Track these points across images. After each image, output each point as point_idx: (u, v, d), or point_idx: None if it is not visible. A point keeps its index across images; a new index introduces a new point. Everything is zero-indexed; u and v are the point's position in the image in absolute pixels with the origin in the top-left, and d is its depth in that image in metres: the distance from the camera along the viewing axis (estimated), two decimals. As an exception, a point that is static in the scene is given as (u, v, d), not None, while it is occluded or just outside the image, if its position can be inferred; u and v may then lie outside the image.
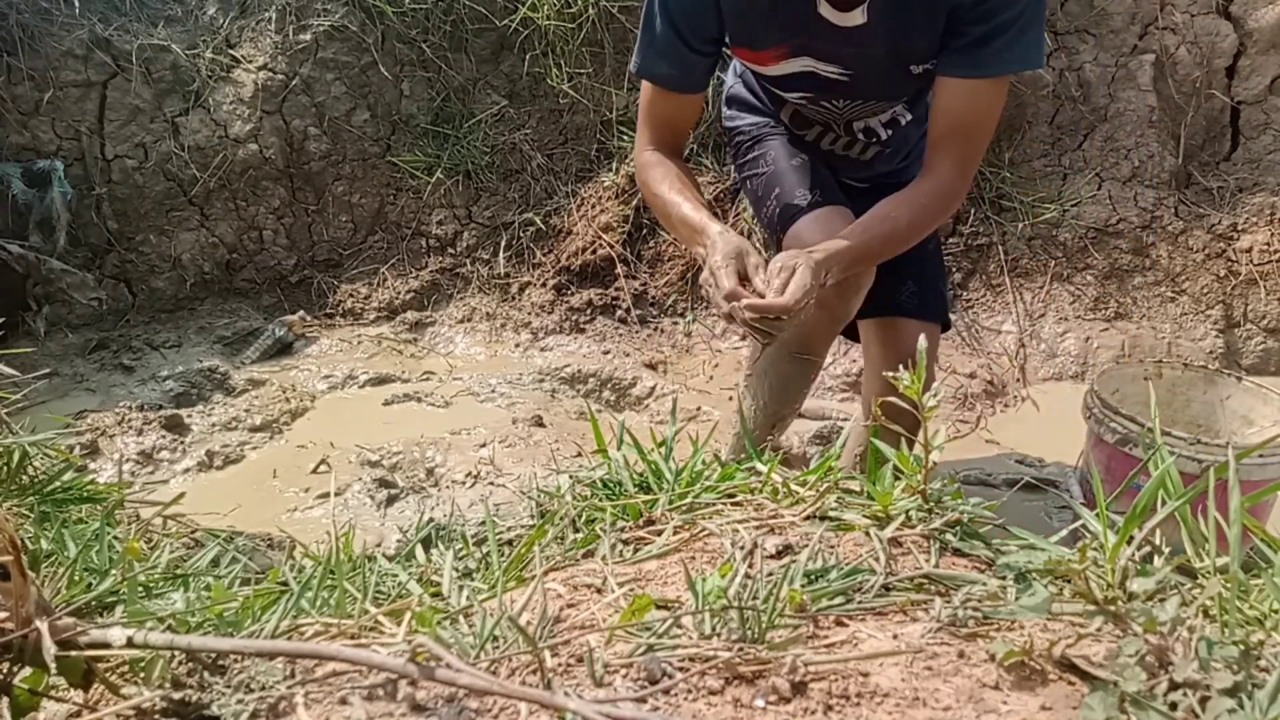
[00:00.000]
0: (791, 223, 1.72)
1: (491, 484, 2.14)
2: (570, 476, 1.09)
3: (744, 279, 1.41)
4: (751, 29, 1.55)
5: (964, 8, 1.42)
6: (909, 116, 1.70)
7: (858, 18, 1.47)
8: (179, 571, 0.92)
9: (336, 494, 2.04)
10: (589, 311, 3.16)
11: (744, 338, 1.78)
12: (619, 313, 3.19)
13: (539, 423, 2.41)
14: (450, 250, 3.44)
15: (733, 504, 0.94)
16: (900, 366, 1.80)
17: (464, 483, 2.14)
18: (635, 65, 1.65)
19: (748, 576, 0.72)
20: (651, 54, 1.60)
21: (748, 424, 1.83)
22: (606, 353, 3.02)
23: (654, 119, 1.68)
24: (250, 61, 3.36)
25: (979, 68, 1.44)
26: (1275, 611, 0.64)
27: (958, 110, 1.48)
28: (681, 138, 1.74)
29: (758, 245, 1.68)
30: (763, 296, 1.36)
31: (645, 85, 1.66)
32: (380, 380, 2.87)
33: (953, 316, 3.20)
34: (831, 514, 0.87)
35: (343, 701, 0.57)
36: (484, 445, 2.30)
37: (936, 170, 1.52)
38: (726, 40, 1.59)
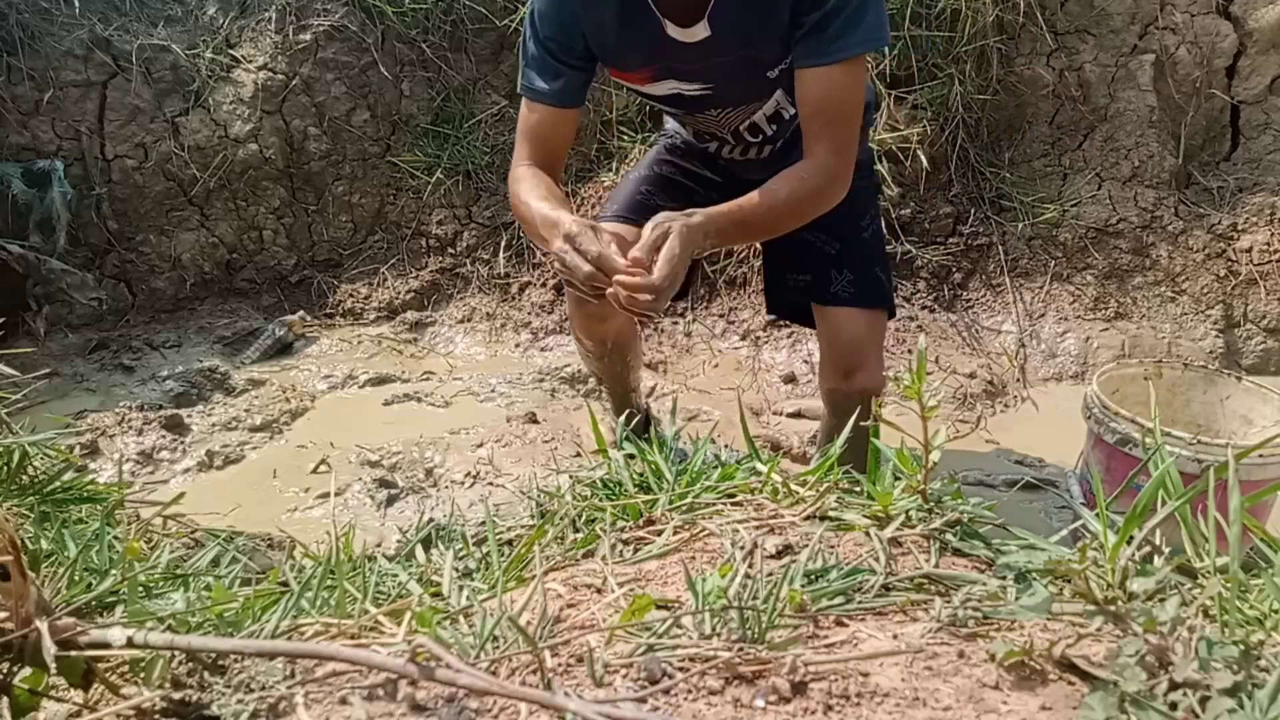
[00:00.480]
0: None
1: (491, 484, 2.14)
2: (570, 476, 1.09)
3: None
4: (611, 51, 1.61)
5: (799, 2, 1.45)
6: (792, 110, 1.72)
7: (701, 32, 1.52)
8: (179, 571, 0.92)
9: (336, 494, 2.04)
10: (589, 311, 3.16)
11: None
12: (619, 313, 3.19)
13: (533, 419, 2.41)
14: (450, 250, 3.44)
15: (733, 504, 0.94)
16: (839, 355, 1.84)
17: (464, 483, 2.14)
18: (519, 83, 1.69)
19: (748, 576, 0.72)
20: (528, 71, 1.65)
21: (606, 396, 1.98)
22: (606, 353, 3.02)
23: (530, 135, 1.71)
24: (250, 61, 3.36)
25: (825, 55, 1.47)
26: (1275, 611, 0.64)
27: (817, 97, 1.51)
28: (557, 155, 1.76)
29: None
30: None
31: (524, 102, 1.70)
32: (380, 380, 2.87)
33: (952, 315, 3.20)
34: (831, 514, 0.87)
35: (343, 701, 0.57)
36: (481, 445, 2.30)
37: (812, 154, 1.55)
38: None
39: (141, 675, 0.61)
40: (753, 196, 1.53)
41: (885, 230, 1.95)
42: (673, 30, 1.54)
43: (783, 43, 1.54)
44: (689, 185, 1.93)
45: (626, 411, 2.05)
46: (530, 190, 1.63)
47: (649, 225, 1.44)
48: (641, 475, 1.03)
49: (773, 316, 2.55)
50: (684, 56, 1.58)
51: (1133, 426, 1.57)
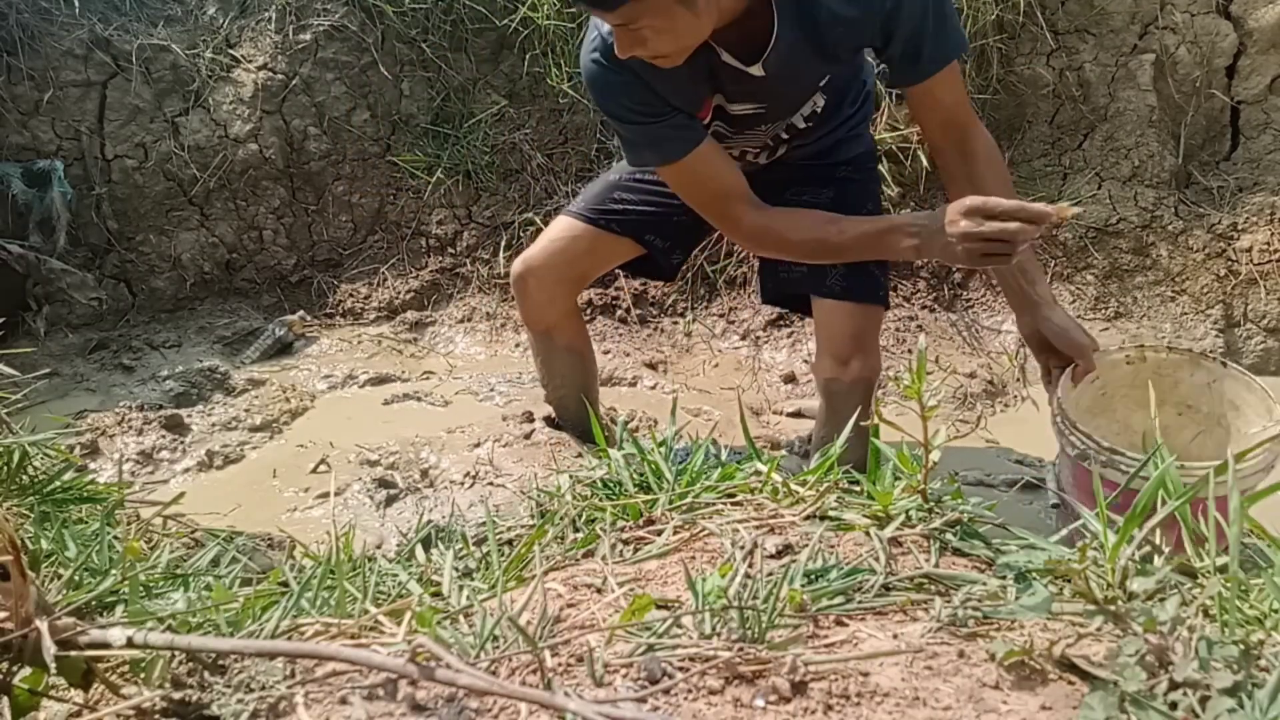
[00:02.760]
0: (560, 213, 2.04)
1: (491, 484, 2.14)
2: (570, 476, 1.09)
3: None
4: (683, 94, 1.57)
5: (875, 43, 1.54)
6: (822, 102, 1.74)
7: (757, 71, 1.54)
8: (179, 571, 0.92)
9: (336, 494, 2.04)
10: (589, 311, 3.15)
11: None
12: (619, 312, 3.19)
13: (529, 418, 2.41)
14: (450, 250, 3.44)
15: (733, 504, 0.94)
16: (835, 346, 1.90)
17: (463, 482, 2.14)
18: (643, 161, 1.67)
19: (748, 576, 0.72)
20: (649, 148, 1.62)
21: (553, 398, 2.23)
22: (607, 353, 3.02)
23: (712, 185, 1.63)
24: (250, 61, 3.36)
25: (928, 73, 1.55)
26: (1275, 611, 0.64)
27: (949, 97, 1.60)
28: (746, 186, 1.67)
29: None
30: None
31: (677, 169, 1.62)
32: (380, 380, 2.87)
33: (952, 315, 3.20)
34: (831, 514, 0.87)
35: (343, 701, 0.57)
36: (480, 445, 2.30)
37: (977, 136, 1.63)
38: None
39: (141, 675, 0.61)
40: (989, 185, 1.57)
41: None
42: (728, 58, 1.53)
43: (833, 68, 1.62)
44: (663, 199, 1.92)
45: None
46: (792, 226, 1.62)
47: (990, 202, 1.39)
48: (641, 475, 1.03)
49: (768, 304, 2.58)
50: (740, 81, 1.57)
51: (1089, 443, 1.53)
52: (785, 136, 1.80)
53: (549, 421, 2.38)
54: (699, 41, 1.45)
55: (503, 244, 3.38)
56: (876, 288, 1.89)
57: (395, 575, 0.88)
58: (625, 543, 0.88)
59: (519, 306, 2.16)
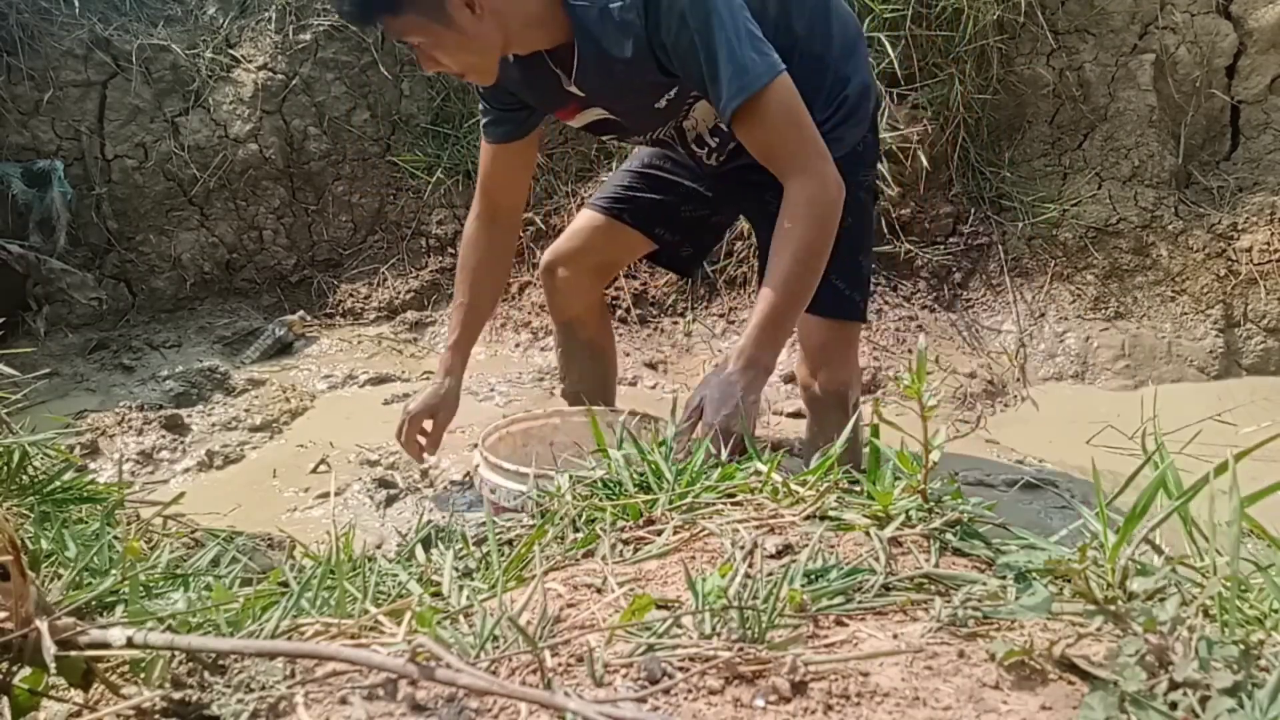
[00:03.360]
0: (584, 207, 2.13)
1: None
2: (570, 476, 1.09)
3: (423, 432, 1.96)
4: (533, 98, 1.79)
5: (660, 57, 1.54)
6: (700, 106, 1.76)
7: (574, 89, 1.67)
8: (179, 571, 0.92)
9: (336, 494, 2.04)
10: (589, 311, 3.15)
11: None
12: (619, 312, 3.19)
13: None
14: (450, 250, 3.44)
15: (733, 504, 0.94)
16: (805, 355, 1.97)
17: (463, 482, 2.14)
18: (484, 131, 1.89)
19: (748, 576, 0.72)
20: (485, 121, 1.88)
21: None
22: (606, 352, 3.02)
23: (484, 176, 1.94)
24: (250, 61, 3.37)
25: (731, 104, 1.50)
26: (1275, 611, 0.64)
27: (752, 143, 1.57)
28: (511, 190, 1.99)
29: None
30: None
31: (481, 149, 1.92)
32: (380, 380, 2.87)
33: (952, 315, 3.20)
34: (831, 514, 0.87)
35: (343, 701, 0.57)
36: (479, 445, 2.30)
37: (785, 189, 1.56)
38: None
39: (141, 675, 0.61)
40: (765, 291, 1.55)
41: (861, 235, 1.89)
42: (566, 83, 1.66)
43: (656, 84, 1.61)
44: (675, 179, 1.99)
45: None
46: (464, 268, 1.99)
47: (683, 408, 1.49)
48: (641, 475, 1.03)
49: None
50: (581, 103, 1.72)
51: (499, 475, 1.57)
52: (701, 148, 1.81)
53: None
54: (492, 57, 1.57)
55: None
56: (842, 304, 1.87)
57: (395, 575, 0.88)
58: (625, 543, 0.88)
59: (546, 298, 2.22)
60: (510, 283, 3.34)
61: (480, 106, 1.89)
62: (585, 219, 2.09)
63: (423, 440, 1.99)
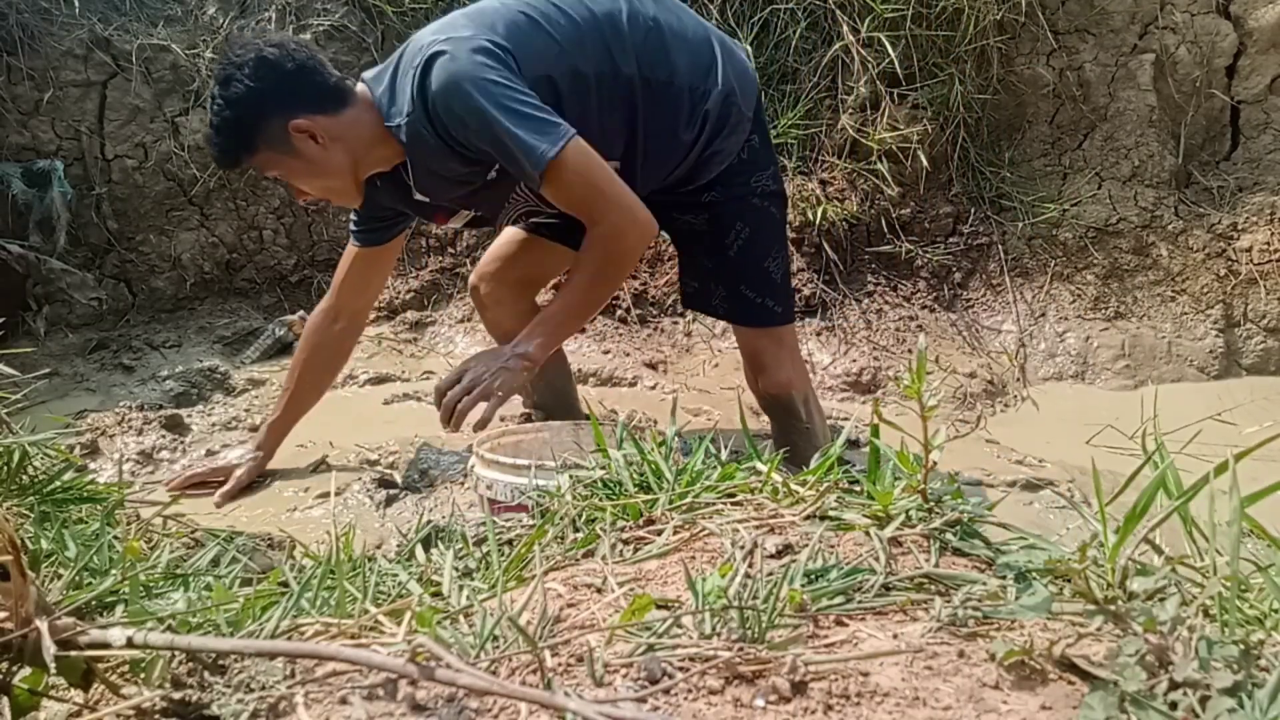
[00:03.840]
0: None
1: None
2: (570, 476, 1.09)
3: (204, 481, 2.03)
4: (409, 210, 1.95)
5: (463, 151, 1.67)
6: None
7: (423, 196, 1.82)
8: (179, 571, 0.92)
9: (336, 494, 2.03)
10: (589, 311, 3.16)
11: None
12: (619, 312, 3.19)
13: (528, 419, 2.41)
14: (450, 250, 3.44)
15: (733, 503, 0.94)
16: (744, 360, 2.08)
17: (463, 482, 2.13)
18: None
19: (748, 576, 0.72)
20: (352, 225, 2.05)
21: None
22: (606, 352, 3.02)
23: (339, 277, 2.10)
24: (250, 61, 3.36)
25: (528, 177, 1.62)
26: (1275, 611, 0.64)
27: (560, 201, 1.70)
28: (361, 298, 2.15)
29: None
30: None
31: (346, 250, 2.07)
32: (380, 380, 2.86)
33: (952, 315, 3.20)
34: (831, 514, 0.87)
35: (343, 701, 0.57)
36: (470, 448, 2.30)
37: (589, 232, 1.70)
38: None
39: (141, 675, 0.61)
40: (552, 301, 1.78)
41: (764, 242, 1.91)
42: (415, 192, 1.82)
43: (476, 166, 1.74)
44: None
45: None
46: (301, 353, 2.13)
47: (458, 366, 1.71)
48: (641, 475, 1.03)
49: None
50: (430, 209, 1.90)
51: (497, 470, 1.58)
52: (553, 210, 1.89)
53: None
54: (346, 180, 1.76)
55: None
56: (753, 313, 1.92)
57: (395, 575, 0.88)
58: (625, 543, 0.88)
59: (479, 316, 2.32)
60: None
61: (351, 213, 2.04)
62: (505, 235, 2.19)
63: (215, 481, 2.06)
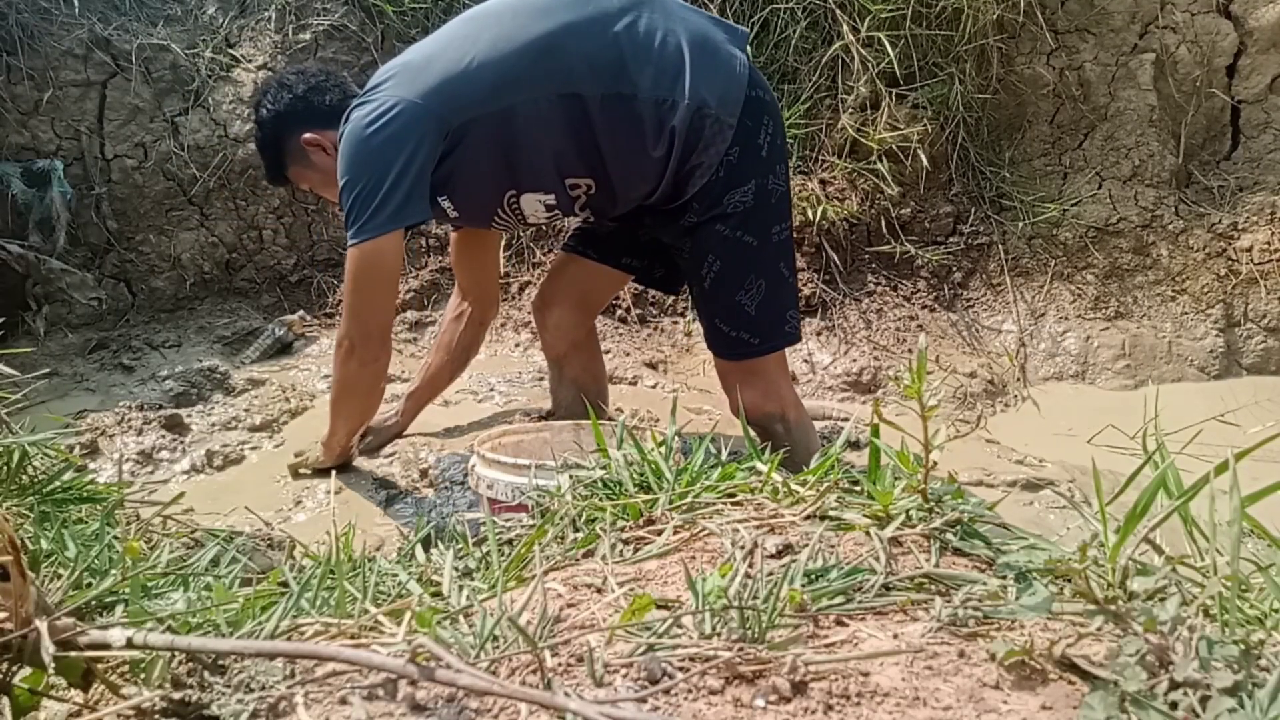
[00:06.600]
0: None
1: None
2: (570, 476, 1.09)
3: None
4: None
5: None
6: (550, 197, 1.88)
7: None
8: (179, 571, 0.92)
9: (336, 494, 2.04)
10: (589, 311, 3.16)
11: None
12: (619, 312, 3.19)
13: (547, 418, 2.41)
14: (450, 250, 3.44)
15: (733, 503, 0.94)
16: (720, 381, 2.12)
17: (463, 482, 2.14)
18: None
19: (748, 576, 0.72)
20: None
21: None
22: (607, 352, 3.02)
23: (454, 258, 2.29)
24: (250, 61, 3.36)
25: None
26: (1275, 611, 0.64)
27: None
28: (476, 274, 2.29)
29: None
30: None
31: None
32: (380, 380, 2.86)
33: (952, 315, 3.20)
34: (832, 514, 0.87)
35: (343, 701, 0.57)
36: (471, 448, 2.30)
37: (337, 331, 1.88)
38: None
39: (141, 675, 0.61)
40: None
41: (736, 273, 1.88)
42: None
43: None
44: (622, 221, 2.06)
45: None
46: (439, 337, 2.33)
47: None
48: (641, 475, 1.03)
49: None
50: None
51: (499, 470, 1.61)
52: (545, 217, 1.94)
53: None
54: None
55: (501, 244, 3.37)
56: (724, 345, 1.94)
57: (395, 575, 0.88)
58: (625, 543, 0.88)
59: (539, 334, 2.41)
60: (510, 282, 3.34)
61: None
62: (559, 260, 2.29)
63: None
